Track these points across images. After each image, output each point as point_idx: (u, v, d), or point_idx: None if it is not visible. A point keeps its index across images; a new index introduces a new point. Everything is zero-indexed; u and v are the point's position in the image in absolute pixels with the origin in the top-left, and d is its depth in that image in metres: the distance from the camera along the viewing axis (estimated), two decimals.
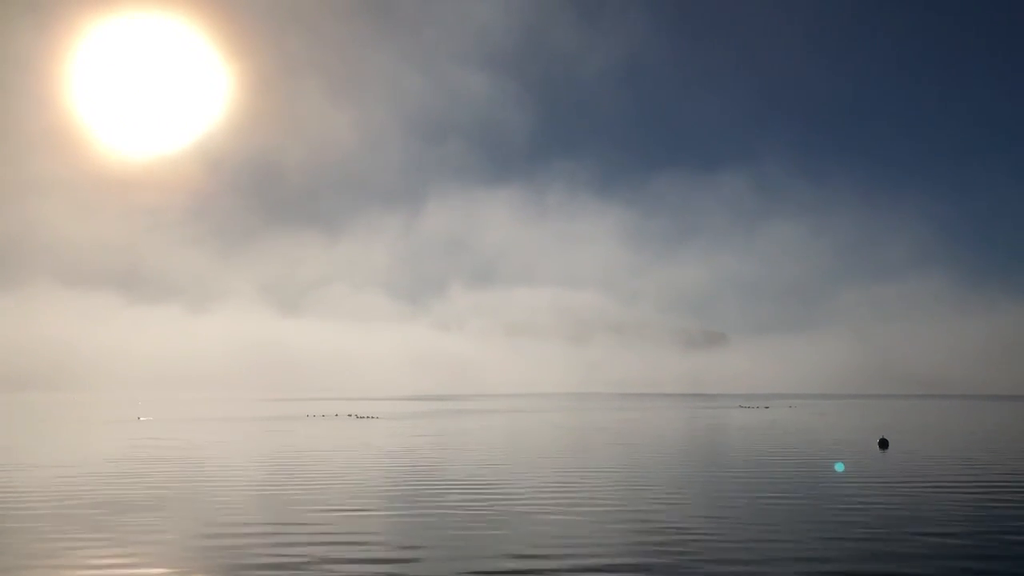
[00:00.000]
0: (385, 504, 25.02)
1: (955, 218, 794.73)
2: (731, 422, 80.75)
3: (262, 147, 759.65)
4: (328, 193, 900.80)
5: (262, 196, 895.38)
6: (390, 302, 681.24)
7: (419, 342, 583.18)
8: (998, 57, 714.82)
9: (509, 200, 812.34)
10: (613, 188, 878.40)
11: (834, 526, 21.40)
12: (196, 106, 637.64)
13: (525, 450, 45.31)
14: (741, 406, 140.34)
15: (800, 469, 35.57)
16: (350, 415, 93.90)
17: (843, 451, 44.62)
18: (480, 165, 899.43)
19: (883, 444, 48.69)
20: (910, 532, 20.61)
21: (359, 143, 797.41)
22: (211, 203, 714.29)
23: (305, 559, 17.56)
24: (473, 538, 19.77)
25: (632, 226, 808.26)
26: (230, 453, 43.37)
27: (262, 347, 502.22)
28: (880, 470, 35.24)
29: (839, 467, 39.06)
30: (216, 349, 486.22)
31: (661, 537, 19.89)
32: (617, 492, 27.76)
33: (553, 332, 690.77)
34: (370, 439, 53.74)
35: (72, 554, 18.11)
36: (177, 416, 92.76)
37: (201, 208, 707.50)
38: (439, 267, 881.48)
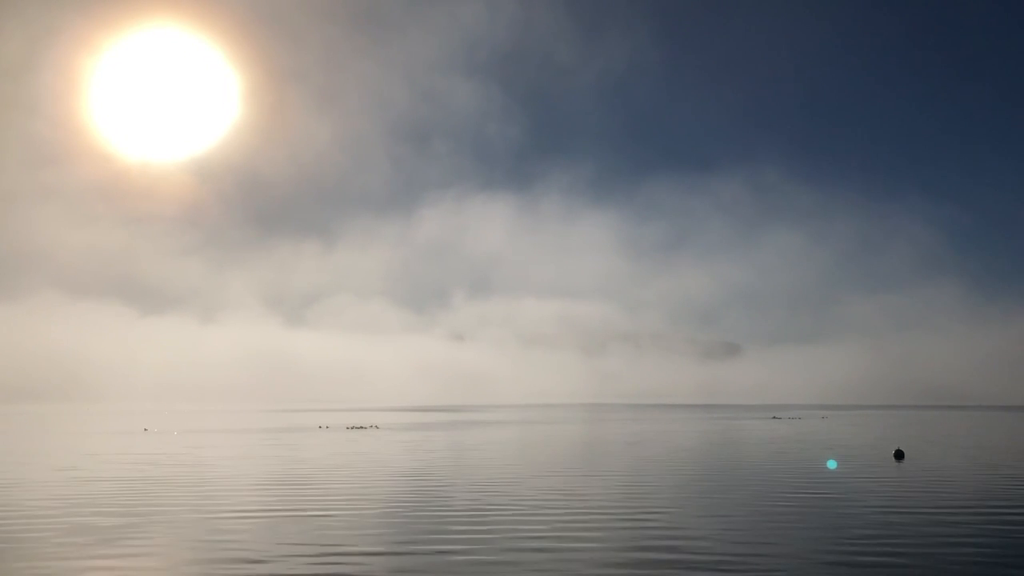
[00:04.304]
0: (409, 527, 24.12)
1: (963, 223, 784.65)
2: (774, 434, 78.09)
3: (254, 157, 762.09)
4: (321, 202, 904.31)
5: (255, 205, 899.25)
6: (394, 312, 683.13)
7: (431, 352, 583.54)
8: (1006, 57, 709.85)
9: (503, 208, 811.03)
10: (609, 194, 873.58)
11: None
12: (189, 116, 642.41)
13: (566, 465, 43.53)
14: (775, 417, 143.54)
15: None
16: (365, 426, 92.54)
17: (866, 460, 43.52)
18: (472, 173, 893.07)
19: (898, 455, 47.48)
20: (927, 545, 19.61)
21: (348, 151, 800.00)
22: (206, 212, 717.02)
23: None
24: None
25: (629, 233, 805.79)
26: (238, 467, 42.42)
27: (269, 358, 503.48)
28: (897, 480, 34.18)
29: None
30: (223, 360, 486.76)
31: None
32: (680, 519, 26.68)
33: (565, 343, 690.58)
34: (386, 452, 52.86)
35: None
36: (184, 427, 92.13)
37: (196, 218, 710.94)
38: (438, 276, 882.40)
